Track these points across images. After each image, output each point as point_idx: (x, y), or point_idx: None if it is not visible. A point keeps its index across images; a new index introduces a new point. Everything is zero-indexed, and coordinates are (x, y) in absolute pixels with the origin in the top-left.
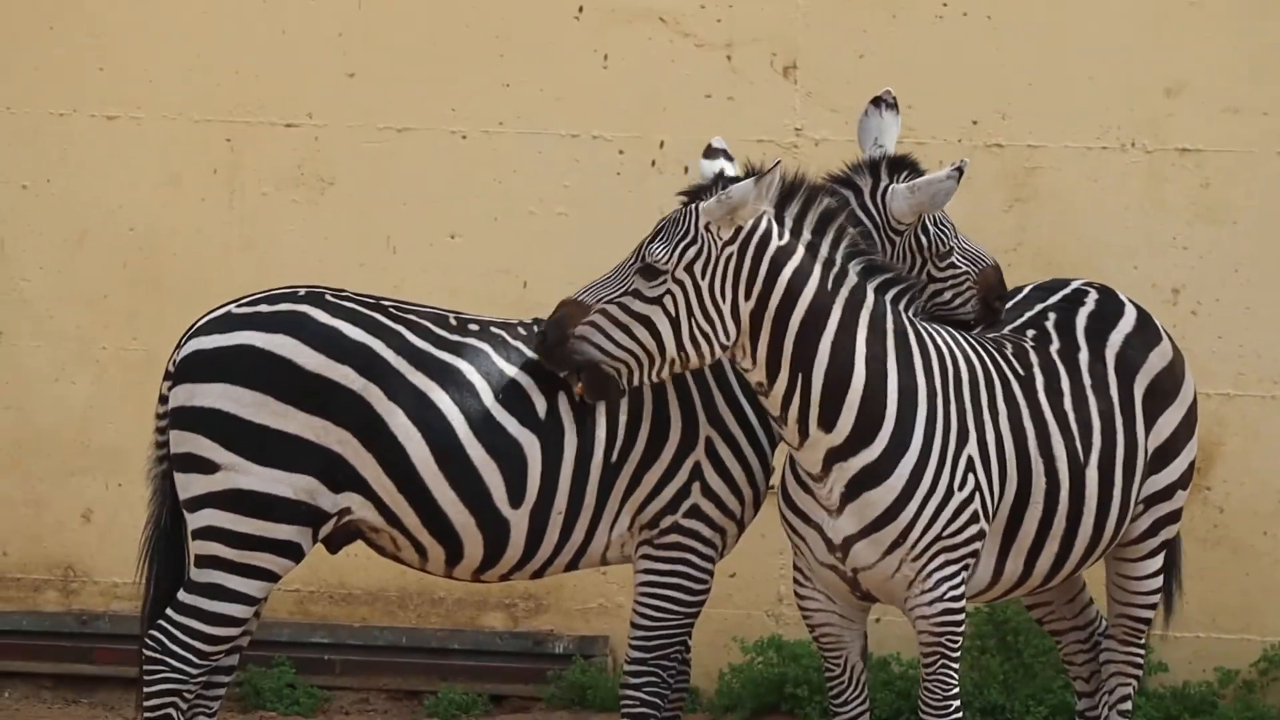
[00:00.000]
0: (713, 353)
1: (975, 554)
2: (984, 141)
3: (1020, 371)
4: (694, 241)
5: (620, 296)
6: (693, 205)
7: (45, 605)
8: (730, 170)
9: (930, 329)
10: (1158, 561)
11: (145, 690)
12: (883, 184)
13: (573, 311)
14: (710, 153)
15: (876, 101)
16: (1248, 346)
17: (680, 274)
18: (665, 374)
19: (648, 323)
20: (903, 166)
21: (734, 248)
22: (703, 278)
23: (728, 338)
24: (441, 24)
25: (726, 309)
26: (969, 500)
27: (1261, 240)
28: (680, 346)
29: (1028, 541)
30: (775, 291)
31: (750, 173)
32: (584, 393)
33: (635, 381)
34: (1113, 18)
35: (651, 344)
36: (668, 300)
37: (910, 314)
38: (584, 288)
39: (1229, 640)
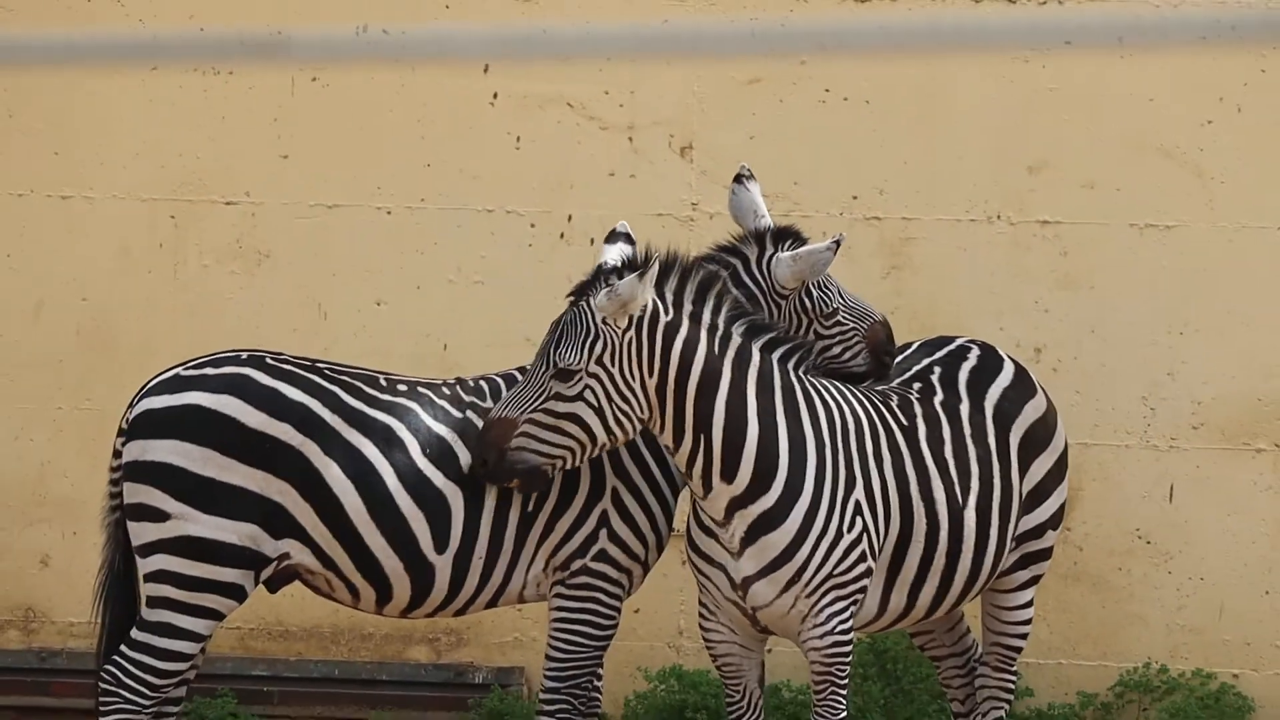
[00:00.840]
0: (634, 428)
1: (863, 590)
2: (863, 214)
3: (904, 421)
4: (597, 337)
5: (543, 403)
6: (585, 303)
7: (7, 644)
8: (623, 253)
9: (818, 383)
10: (1029, 594)
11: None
12: (768, 253)
13: (502, 429)
14: (612, 236)
15: (738, 179)
16: (1103, 401)
17: (593, 368)
18: (596, 454)
19: (575, 419)
20: (786, 236)
21: (631, 333)
22: (613, 365)
23: (645, 412)
24: (367, 110)
25: (638, 387)
26: (857, 541)
27: (1114, 304)
28: (608, 430)
29: (910, 576)
30: (671, 363)
31: (633, 265)
32: (520, 489)
33: (570, 467)
34: (980, 101)
35: (583, 435)
36: (588, 394)
37: (801, 370)
38: (502, 401)
39: (1088, 667)
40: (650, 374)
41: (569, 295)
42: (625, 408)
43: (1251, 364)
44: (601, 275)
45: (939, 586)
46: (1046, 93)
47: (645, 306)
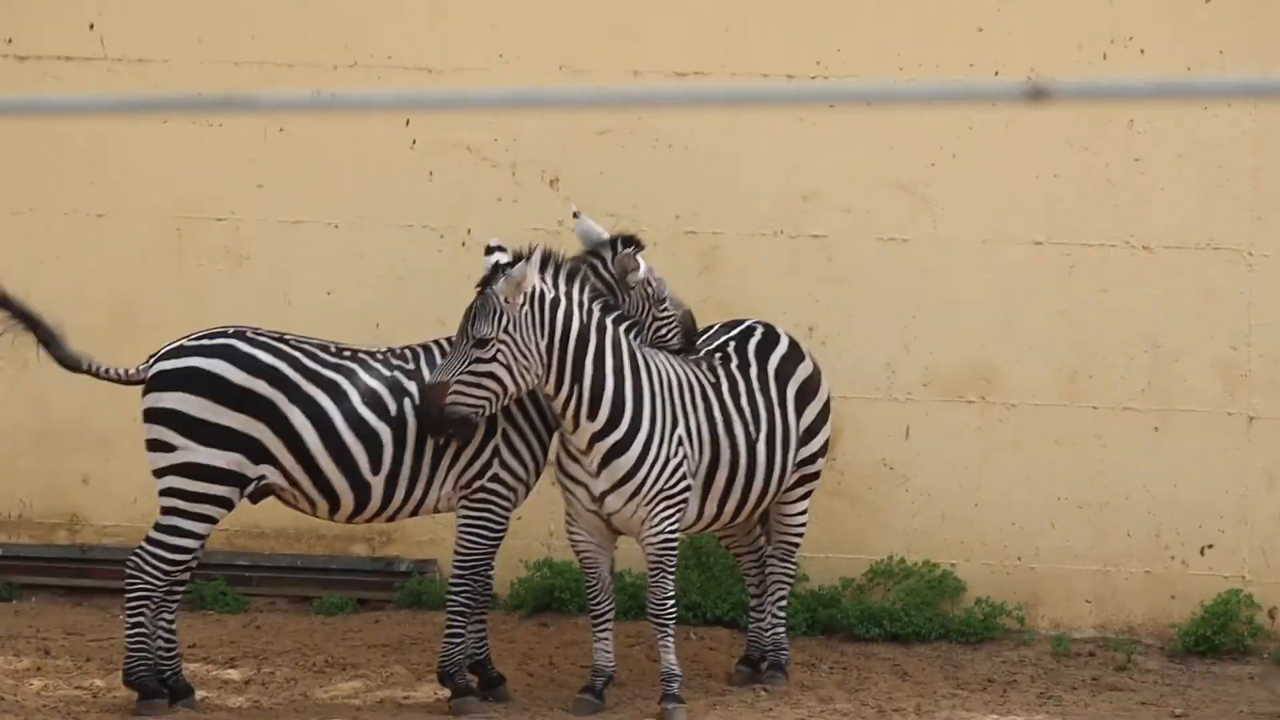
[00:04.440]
0: (533, 381)
1: (685, 501)
2: (683, 229)
3: (712, 379)
4: (502, 313)
5: (468, 366)
6: (490, 290)
7: (57, 540)
8: (504, 258)
9: (648, 352)
10: (805, 505)
11: (127, 595)
12: (619, 253)
13: (439, 391)
14: (489, 250)
15: (575, 215)
16: (859, 366)
17: (502, 336)
18: (506, 404)
19: (491, 375)
20: (630, 242)
21: (527, 307)
22: (515, 332)
23: (540, 368)
24: (321, 150)
25: (533, 348)
26: (680, 464)
27: (866, 296)
28: (515, 383)
29: (719, 492)
30: (556, 329)
31: (519, 257)
32: (456, 439)
33: (490, 413)
34: (767, 147)
35: (498, 388)
36: (500, 356)
37: (636, 340)
38: (435, 370)
39: (848, 559)
40: (542, 336)
41: (476, 286)
42: (526, 363)
43: (965, 341)
44: (499, 268)
45: (739, 498)
46: (814, 141)
47: (534, 286)
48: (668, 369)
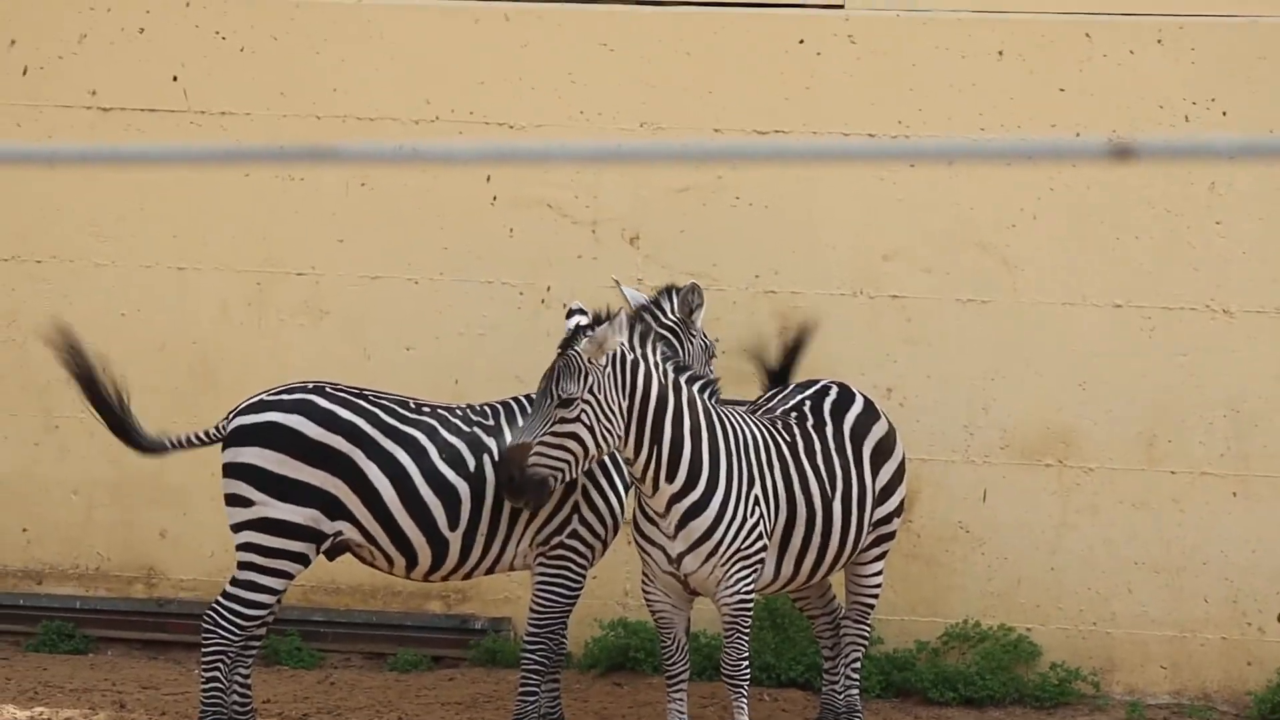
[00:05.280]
0: (613, 444)
1: (761, 561)
2: (762, 289)
3: (787, 438)
4: (586, 373)
5: (550, 428)
6: (574, 350)
7: (134, 594)
8: (584, 320)
9: (723, 410)
10: (880, 565)
11: (203, 650)
12: (683, 291)
13: (521, 452)
14: (570, 313)
15: (616, 283)
16: (936, 428)
17: (586, 396)
18: (586, 467)
19: (574, 437)
20: (675, 290)
21: (609, 368)
22: (599, 393)
23: (621, 429)
24: (401, 205)
25: (616, 409)
26: (756, 525)
27: (944, 357)
28: (597, 445)
29: (795, 551)
30: (637, 390)
31: (599, 318)
32: (530, 507)
33: (567, 479)
34: (848, 207)
35: (579, 449)
36: (583, 417)
37: (710, 398)
38: (516, 431)
39: (923, 622)
40: (624, 397)
41: (558, 347)
42: (608, 425)
43: (1043, 403)
44: (580, 330)
45: (816, 558)
46: (894, 201)
47: (618, 347)
48: (743, 427)
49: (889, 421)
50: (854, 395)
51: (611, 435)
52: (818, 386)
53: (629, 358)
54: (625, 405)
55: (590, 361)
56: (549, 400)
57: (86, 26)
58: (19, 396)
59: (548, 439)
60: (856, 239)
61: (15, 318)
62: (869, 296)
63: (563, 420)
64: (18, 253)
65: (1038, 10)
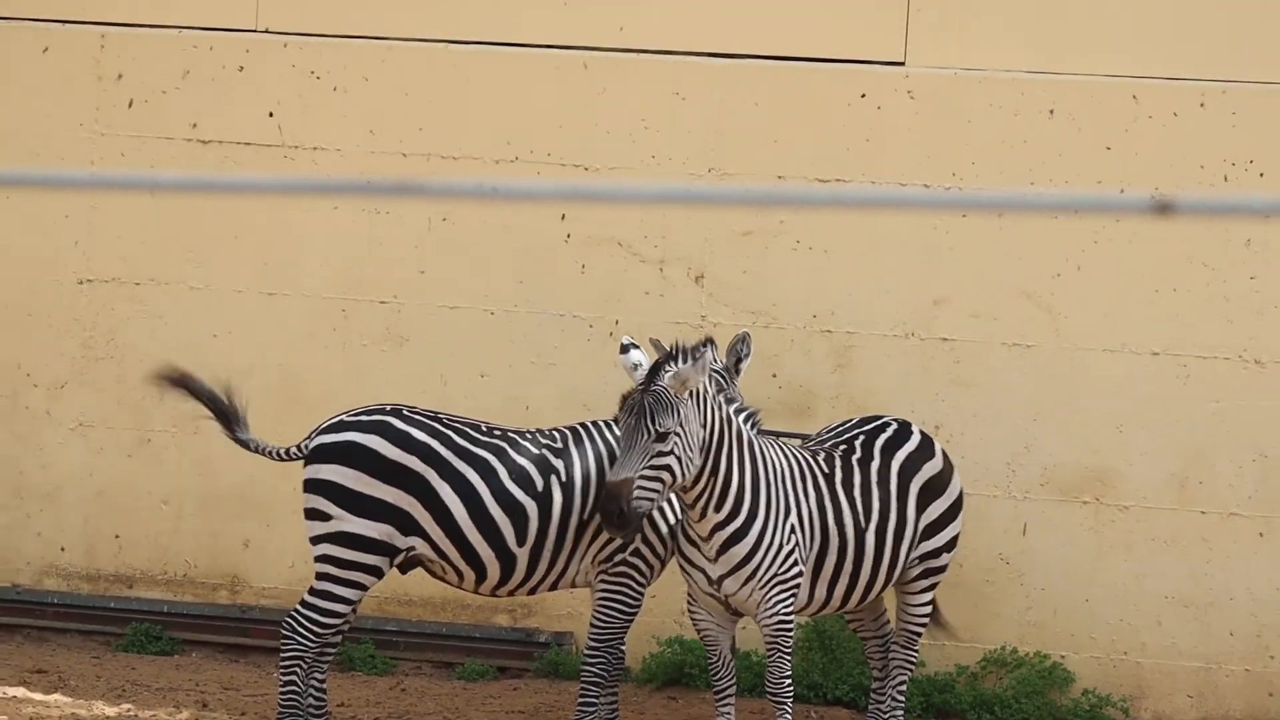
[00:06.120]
0: (691, 475)
1: (798, 585)
2: (819, 328)
3: (825, 470)
4: (677, 407)
5: (649, 460)
6: (658, 386)
7: (219, 600)
8: (638, 355)
9: (763, 441)
10: (928, 595)
11: (281, 654)
12: (732, 342)
13: (626, 486)
14: (624, 349)
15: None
16: (980, 464)
17: (677, 429)
18: (671, 494)
19: (668, 469)
20: (744, 341)
21: (692, 402)
22: (687, 425)
23: (699, 461)
24: (480, 240)
25: (696, 441)
26: (792, 551)
27: (990, 398)
28: (683, 474)
29: (827, 576)
30: (709, 423)
31: (668, 351)
32: (625, 537)
33: (660, 503)
34: (902, 254)
35: (670, 479)
36: (675, 448)
37: (754, 430)
38: (616, 467)
39: (964, 647)
40: (703, 429)
41: (640, 383)
42: (691, 455)
43: (1082, 444)
44: (660, 366)
45: (848, 584)
46: (947, 249)
47: (701, 383)
48: (780, 458)
49: (946, 460)
50: (910, 433)
51: (693, 466)
52: (877, 422)
53: (700, 393)
54: (704, 436)
55: (676, 395)
56: (644, 435)
57: (189, 63)
58: (116, 411)
59: (647, 472)
60: (910, 284)
61: (114, 336)
62: (920, 339)
63: (659, 454)
64: (119, 275)
65: (1088, 72)
